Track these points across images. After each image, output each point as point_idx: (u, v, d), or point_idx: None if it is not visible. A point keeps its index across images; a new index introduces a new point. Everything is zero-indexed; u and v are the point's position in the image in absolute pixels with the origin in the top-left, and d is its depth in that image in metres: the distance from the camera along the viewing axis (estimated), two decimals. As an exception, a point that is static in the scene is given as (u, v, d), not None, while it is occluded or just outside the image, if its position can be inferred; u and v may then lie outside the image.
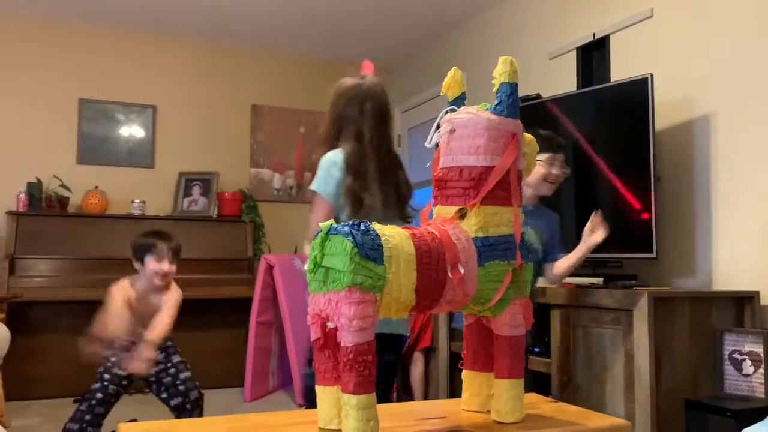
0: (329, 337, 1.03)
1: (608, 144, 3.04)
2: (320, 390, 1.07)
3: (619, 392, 2.50)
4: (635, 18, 3.25)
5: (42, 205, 4.63)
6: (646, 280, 2.92)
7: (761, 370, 2.40)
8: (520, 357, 1.16)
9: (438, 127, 1.20)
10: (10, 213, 4.49)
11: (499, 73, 1.16)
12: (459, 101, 1.22)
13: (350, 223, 1.01)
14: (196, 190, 5.12)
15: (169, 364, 2.84)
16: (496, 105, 1.16)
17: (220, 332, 4.83)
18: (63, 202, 4.68)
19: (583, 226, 2.51)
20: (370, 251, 0.99)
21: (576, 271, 2.58)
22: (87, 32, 4.96)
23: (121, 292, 2.79)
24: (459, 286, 1.08)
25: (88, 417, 2.66)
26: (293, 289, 4.23)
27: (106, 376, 2.76)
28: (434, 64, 5.04)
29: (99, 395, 2.71)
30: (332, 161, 2.09)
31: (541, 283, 2.71)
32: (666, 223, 2.99)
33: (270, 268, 4.35)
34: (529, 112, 2.55)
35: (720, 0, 2.87)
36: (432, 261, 1.05)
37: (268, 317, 4.48)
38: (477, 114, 1.15)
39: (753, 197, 2.69)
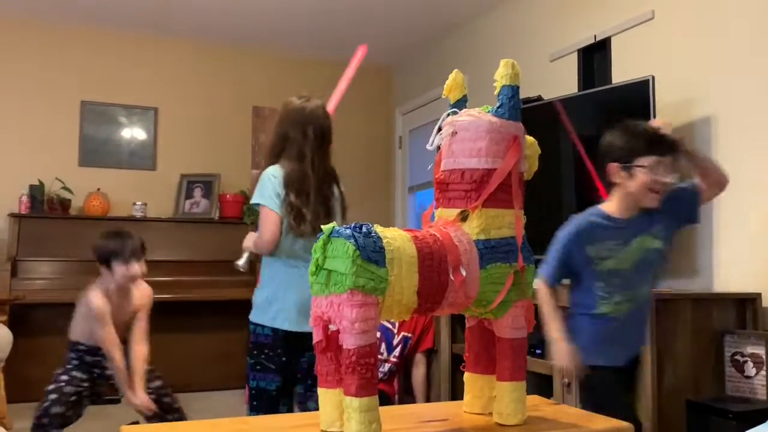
0: (331, 340, 1.03)
1: (609, 146, 3.03)
2: (322, 393, 1.07)
3: (621, 394, 2.49)
4: (636, 20, 3.25)
5: (44, 208, 4.63)
6: (647, 282, 2.91)
7: (763, 372, 2.40)
8: (521, 359, 1.16)
9: (440, 129, 1.20)
10: (12, 215, 4.49)
11: (501, 76, 1.16)
12: (461, 104, 1.22)
13: (352, 225, 1.01)
14: (197, 192, 5.11)
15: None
16: (498, 108, 1.16)
17: (222, 334, 4.82)
18: (65, 204, 4.68)
19: None
20: (372, 254, 0.99)
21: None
22: (89, 34, 4.97)
23: (105, 306, 2.74)
24: (461, 289, 1.08)
25: (45, 420, 2.66)
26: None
27: (63, 377, 2.76)
28: (435, 66, 5.04)
29: (53, 396, 2.71)
30: (273, 175, 2.29)
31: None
32: (667, 225, 2.98)
33: (271, 269, 4.34)
34: (532, 114, 2.54)
35: (721, 2, 2.87)
36: (434, 263, 1.05)
37: (270, 319, 4.47)
38: (478, 117, 1.16)
39: (755, 199, 2.69)
